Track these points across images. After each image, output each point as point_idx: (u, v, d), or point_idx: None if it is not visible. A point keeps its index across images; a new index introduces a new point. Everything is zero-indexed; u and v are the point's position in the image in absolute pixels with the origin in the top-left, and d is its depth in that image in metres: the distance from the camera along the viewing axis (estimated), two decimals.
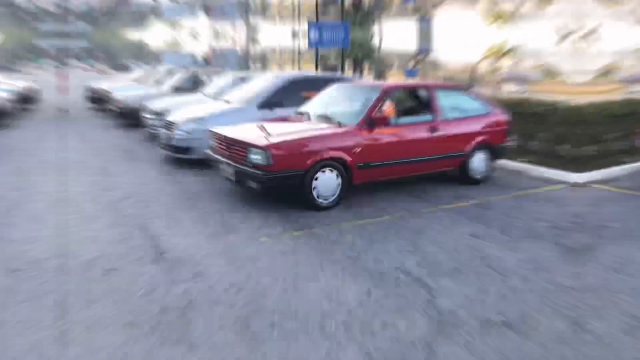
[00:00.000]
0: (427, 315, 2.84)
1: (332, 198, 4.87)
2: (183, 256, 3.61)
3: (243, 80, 9.33)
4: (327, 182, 4.78)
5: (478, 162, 6.09)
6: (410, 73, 18.87)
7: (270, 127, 5.42)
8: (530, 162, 7.36)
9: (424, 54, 10.63)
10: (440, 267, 3.52)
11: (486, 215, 4.82)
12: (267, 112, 6.90)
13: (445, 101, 5.81)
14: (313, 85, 7.38)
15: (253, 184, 4.62)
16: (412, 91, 5.84)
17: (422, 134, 5.46)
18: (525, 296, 3.11)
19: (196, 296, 3.00)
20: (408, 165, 5.39)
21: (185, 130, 6.62)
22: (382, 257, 3.67)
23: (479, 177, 6.16)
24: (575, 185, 6.26)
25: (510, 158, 7.54)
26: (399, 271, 3.44)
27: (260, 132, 5.10)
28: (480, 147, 6.04)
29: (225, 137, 5.00)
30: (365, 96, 5.48)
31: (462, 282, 3.28)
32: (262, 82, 7.60)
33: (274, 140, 4.57)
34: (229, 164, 4.83)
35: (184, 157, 6.73)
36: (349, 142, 4.86)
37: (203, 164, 6.43)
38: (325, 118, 5.36)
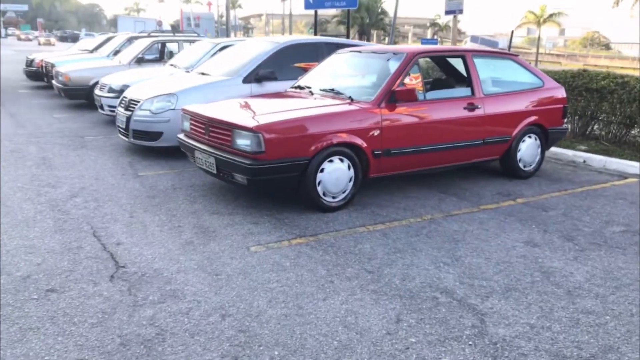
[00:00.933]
0: (477, 348, 2.62)
1: (343, 195, 4.66)
2: (149, 271, 3.39)
3: (225, 48, 9.10)
4: (335, 175, 4.56)
5: (528, 149, 5.90)
6: (429, 43, 18.64)
7: (262, 103, 5.19)
8: (591, 150, 7.16)
9: (454, 14, 10.37)
10: (490, 285, 3.31)
11: (542, 218, 4.61)
12: (255, 87, 6.69)
13: (487, 71, 5.61)
14: (315, 53, 7.19)
15: (240, 178, 4.40)
16: (444, 58, 5.63)
17: (458, 112, 5.25)
18: (605, 323, 2.89)
19: (168, 324, 2.78)
20: (439, 153, 5.18)
21: (150, 110, 6.39)
22: (412, 272, 3.46)
23: (528, 169, 5.97)
24: None
25: (565, 145, 7.36)
26: (435, 290, 3.22)
27: (249, 110, 4.87)
28: (530, 130, 5.85)
29: (202, 116, 4.78)
30: (383, 64, 5.26)
31: (520, 304, 3.06)
32: (250, 49, 7.37)
33: (267, 120, 4.34)
34: (207, 152, 4.60)
35: (150, 145, 6.50)
36: (364, 123, 4.65)
37: (175, 153, 6.21)
38: (333, 93, 5.14)
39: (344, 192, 4.66)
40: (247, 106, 5.12)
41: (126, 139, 6.72)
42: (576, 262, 3.69)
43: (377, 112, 4.73)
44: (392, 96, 4.80)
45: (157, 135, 6.39)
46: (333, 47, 7.43)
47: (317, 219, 4.42)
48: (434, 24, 69.99)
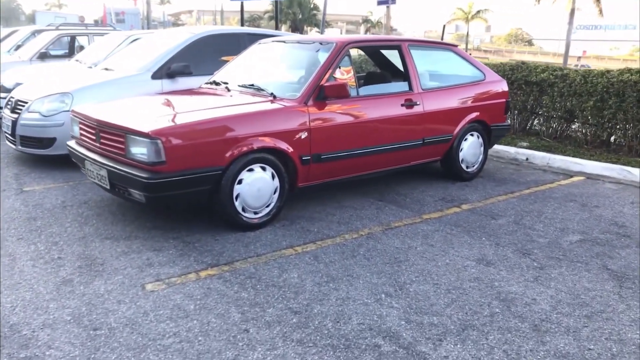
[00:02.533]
0: None
1: (267, 210, 3.94)
2: (5, 327, 2.54)
3: (136, 41, 8.15)
4: (257, 186, 3.83)
5: (470, 148, 5.40)
6: None
7: (167, 102, 4.38)
8: (532, 146, 6.78)
9: (387, 4, 9.86)
10: (442, 322, 2.68)
11: (492, 227, 4.08)
12: (167, 84, 5.85)
13: (425, 64, 5.03)
14: (237, 45, 6.41)
15: (137, 195, 3.58)
16: (378, 49, 4.99)
17: (395, 110, 4.64)
18: None
19: None
20: (375, 157, 4.55)
21: (40, 112, 5.42)
22: (348, 309, 2.78)
23: (471, 169, 5.47)
24: (594, 177, 5.71)
25: (506, 142, 6.96)
26: (376, 333, 2.56)
27: (148, 111, 4.05)
28: (472, 127, 5.34)
29: (91, 119, 3.92)
30: (310, 56, 4.57)
31: (480, 349, 2.46)
32: (162, 41, 6.49)
33: (169, 122, 3.55)
34: (99, 163, 3.76)
35: (41, 153, 5.53)
36: (289, 124, 3.94)
37: (73, 162, 5.28)
38: (253, 89, 4.40)
39: (267, 206, 3.94)
40: (147, 106, 4.30)
41: (14, 147, 5.70)
42: (537, 284, 3.14)
43: (304, 110, 4.03)
44: (321, 92, 4.12)
45: (49, 141, 5.43)
46: (257, 39, 6.69)
47: (235, 241, 3.68)
48: (366, 21, 70.22)
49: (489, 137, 5.60)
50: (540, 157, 6.40)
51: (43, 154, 5.53)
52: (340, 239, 3.77)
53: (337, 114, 4.22)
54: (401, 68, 4.93)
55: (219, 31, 6.57)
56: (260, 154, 3.81)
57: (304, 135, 4.01)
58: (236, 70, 5.01)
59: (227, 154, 3.64)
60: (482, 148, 5.52)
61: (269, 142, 3.82)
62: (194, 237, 3.73)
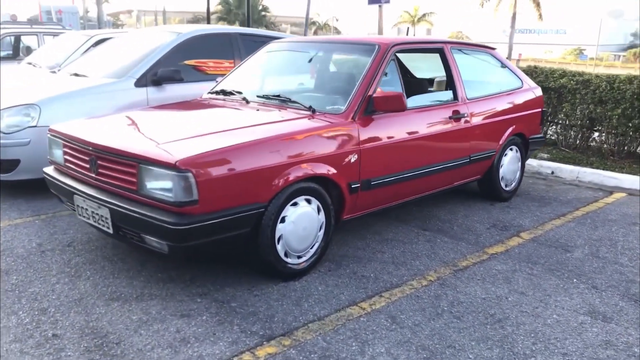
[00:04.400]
0: None
1: (311, 252, 3.19)
2: None
3: (102, 42, 7.20)
4: (303, 224, 3.08)
5: (509, 164, 4.82)
6: None
7: (178, 119, 3.57)
8: (554, 158, 6.30)
9: (379, 3, 9.23)
10: None
11: (572, 263, 3.50)
12: (153, 92, 5.00)
13: (467, 69, 4.39)
14: (230, 47, 5.67)
15: (155, 242, 2.75)
16: (419, 52, 4.31)
17: (445, 124, 3.98)
18: None
19: None
20: (423, 179, 3.89)
21: (0, 129, 4.44)
22: None
23: (509, 188, 4.89)
24: (635, 193, 5.26)
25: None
26: None
27: (161, 132, 3.22)
28: (512, 141, 4.76)
29: (85, 142, 3.06)
30: (346, 61, 3.86)
31: None
32: (142, 42, 5.61)
33: (196, 147, 2.73)
34: (96, 200, 2.90)
35: (2, 179, 4.54)
36: (338, 145, 3.21)
37: (40, 188, 4.36)
38: (278, 101, 3.63)
39: (312, 247, 3.18)
40: (156, 124, 3.46)
41: None
42: None
43: (352, 128, 3.30)
44: (369, 105, 3.39)
45: (10, 164, 4.45)
46: (251, 40, 5.93)
47: (281, 296, 2.90)
48: (312, 23, 69.69)
49: (526, 151, 5.04)
50: (569, 170, 5.90)
51: (3, 180, 4.53)
52: (409, 289, 3.06)
53: (386, 130, 3.52)
54: (446, 74, 4.26)
55: (208, 31, 5.73)
56: (306, 183, 3.05)
57: (353, 158, 3.28)
58: (248, 77, 4.23)
59: (271, 186, 2.87)
60: (519, 163, 4.95)
61: (317, 168, 3.07)
62: (226, 293, 2.93)
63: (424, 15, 64.13)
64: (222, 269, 3.19)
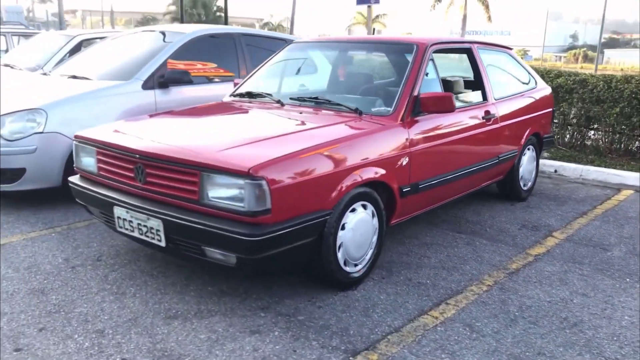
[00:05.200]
0: None
1: (366, 259, 3.09)
2: None
3: (87, 42, 6.90)
4: (360, 231, 2.98)
5: (527, 164, 4.85)
6: None
7: (221, 123, 3.41)
8: (553, 156, 6.40)
9: (369, 3, 9.18)
10: None
11: (617, 263, 3.56)
12: (160, 95, 4.81)
13: (492, 69, 4.38)
14: (233, 47, 5.53)
15: (219, 254, 2.60)
16: (452, 51, 4.27)
17: (479, 124, 3.95)
18: None
19: None
20: (460, 181, 3.85)
21: (2, 136, 4.14)
22: None
23: (526, 187, 4.93)
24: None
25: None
26: None
27: (214, 137, 3.04)
28: (529, 141, 4.78)
29: (127, 149, 2.86)
30: (382, 62, 3.78)
31: None
32: (140, 42, 5.37)
33: (266, 154, 2.59)
34: (145, 211, 2.71)
35: (4, 189, 4.24)
36: (391, 148, 3.12)
37: (44, 198, 4.13)
38: (316, 103, 3.52)
39: (367, 254, 3.08)
40: (199, 129, 3.29)
41: None
42: None
43: (403, 130, 3.22)
44: (416, 106, 3.32)
45: (15, 174, 4.16)
46: (254, 40, 5.79)
47: (346, 307, 2.79)
48: (266, 24, 69.27)
49: (540, 150, 5.09)
50: (572, 169, 5.99)
51: (4, 191, 4.23)
52: (471, 295, 2.99)
53: (431, 132, 3.45)
54: (475, 74, 4.24)
55: (212, 31, 5.54)
56: (363, 188, 2.95)
57: (405, 161, 3.20)
58: (272, 79, 4.08)
59: (335, 192, 2.76)
60: (534, 163, 4.99)
61: (375, 172, 2.98)
62: (287, 305, 2.80)
63: (377, 16, 64.78)
64: (273, 280, 3.05)
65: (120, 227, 2.93)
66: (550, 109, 5.14)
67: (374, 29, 20.04)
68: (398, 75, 3.53)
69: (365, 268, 3.08)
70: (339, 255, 2.88)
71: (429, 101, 3.27)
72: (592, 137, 6.66)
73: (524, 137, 4.61)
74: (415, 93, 3.35)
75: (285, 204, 2.52)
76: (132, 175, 2.85)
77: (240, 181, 2.44)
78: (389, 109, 3.29)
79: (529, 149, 4.81)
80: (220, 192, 2.53)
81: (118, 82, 4.65)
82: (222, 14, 54.03)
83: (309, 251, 2.75)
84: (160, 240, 2.74)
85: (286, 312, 2.74)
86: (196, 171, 2.57)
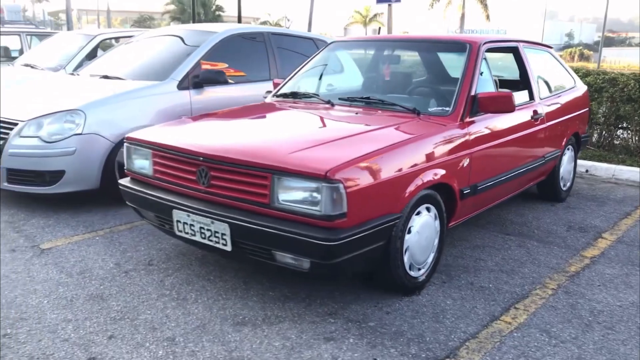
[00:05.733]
0: None
1: (428, 263, 3.03)
2: None
3: (107, 42, 6.83)
4: (425, 234, 2.92)
5: (567, 164, 4.80)
6: None
7: (278, 124, 3.35)
8: (583, 156, 6.33)
9: (389, 2, 9.10)
10: None
11: None
12: (195, 95, 4.75)
13: (536, 67, 4.33)
14: (264, 46, 5.47)
15: (290, 259, 2.54)
16: (501, 50, 4.21)
17: (528, 124, 3.90)
18: None
19: None
20: (511, 182, 3.80)
21: (40, 137, 4.07)
22: None
23: (565, 188, 4.87)
24: None
25: None
26: None
27: (278, 139, 2.97)
28: (569, 140, 4.73)
29: (194, 152, 2.79)
30: (433, 61, 3.71)
31: None
32: (169, 43, 5.30)
33: (339, 156, 2.52)
34: (210, 214, 2.65)
35: (38, 192, 4.16)
36: (453, 149, 3.07)
37: (73, 201, 4.09)
38: (367, 103, 3.46)
39: (429, 258, 3.02)
40: (258, 130, 3.22)
41: None
42: None
43: (463, 130, 3.16)
44: (474, 106, 3.26)
45: (54, 176, 4.09)
46: (282, 39, 5.73)
47: (414, 313, 2.73)
48: (263, 23, 69.10)
49: (578, 150, 5.04)
50: (604, 168, 5.94)
51: (43, 193, 4.16)
52: (538, 299, 2.94)
53: (488, 132, 3.40)
54: (521, 73, 4.18)
55: (243, 30, 5.48)
56: (428, 190, 2.89)
57: (466, 162, 3.14)
58: (314, 78, 4.02)
59: (404, 195, 2.70)
60: (572, 163, 4.94)
61: (439, 174, 2.92)
62: (354, 311, 2.74)
63: (375, 15, 64.73)
64: (334, 285, 2.99)
65: (180, 231, 2.86)
66: (587, 109, 5.09)
67: (379, 29, 19.99)
68: (451, 75, 3.47)
69: (428, 272, 3.02)
70: (405, 259, 2.82)
71: (488, 101, 3.21)
72: (621, 136, 6.60)
73: (566, 136, 4.56)
74: (473, 92, 3.29)
75: (359, 208, 2.46)
76: (194, 178, 2.78)
77: (316, 184, 2.38)
78: (447, 109, 3.23)
79: (568, 149, 4.76)
80: (293, 195, 2.47)
81: (153, 83, 4.58)
82: (221, 13, 53.69)
83: (378, 256, 2.69)
84: (225, 245, 2.67)
85: (355, 318, 2.68)
86: (267, 174, 2.51)
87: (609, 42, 64.74)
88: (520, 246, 3.72)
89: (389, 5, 9.13)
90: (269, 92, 5.18)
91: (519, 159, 3.78)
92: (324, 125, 3.21)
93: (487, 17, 45.04)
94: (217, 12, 56.20)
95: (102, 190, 4.24)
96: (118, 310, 2.69)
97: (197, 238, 2.79)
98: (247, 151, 2.64)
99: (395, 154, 2.67)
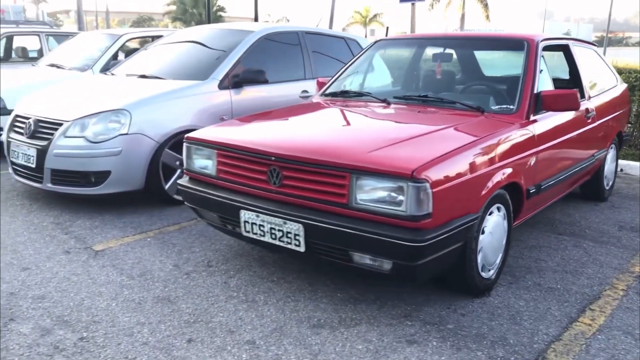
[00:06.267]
0: None
1: (497, 264, 2.98)
2: None
3: (146, 41, 6.79)
4: (497, 234, 2.88)
5: (610, 163, 4.77)
6: None
7: (345, 124, 3.32)
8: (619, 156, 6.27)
9: (412, 1, 9.05)
10: None
11: None
12: (235, 94, 4.69)
13: (584, 66, 4.29)
14: (298, 45, 5.42)
15: (369, 260, 2.50)
16: (555, 48, 4.16)
17: (582, 122, 3.86)
18: None
19: None
20: (568, 181, 3.77)
21: (86, 137, 4.02)
22: None
23: (608, 187, 4.82)
24: None
25: None
26: None
27: (352, 138, 2.92)
28: (613, 140, 4.69)
29: (264, 152, 2.74)
30: (491, 58, 3.65)
31: None
32: (208, 40, 5.25)
33: (424, 155, 2.48)
34: (282, 215, 2.60)
35: (83, 193, 4.11)
36: (522, 147, 3.03)
37: (114, 202, 4.04)
38: (423, 102, 3.41)
39: (497, 258, 2.98)
40: (331, 130, 3.15)
41: (37, 185, 4.21)
42: None
43: (530, 129, 3.12)
44: (538, 104, 3.22)
45: (100, 176, 4.04)
46: (316, 38, 5.69)
47: (491, 315, 2.69)
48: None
49: (619, 149, 5.00)
50: (638, 167, 5.90)
51: (87, 194, 4.11)
52: (612, 300, 2.90)
53: (550, 130, 3.35)
54: (571, 71, 4.14)
55: (279, 29, 5.44)
56: (501, 189, 2.84)
57: (532, 160, 3.11)
58: (364, 77, 3.98)
59: (482, 194, 2.65)
60: (614, 162, 4.90)
61: (510, 173, 2.88)
62: (429, 313, 2.70)
63: (375, 15, 64.64)
64: (401, 287, 2.94)
65: (247, 232, 2.81)
66: (628, 107, 5.05)
67: (387, 28, 19.92)
68: (509, 73, 3.42)
69: (496, 273, 2.97)
70: (479, 259, 2.77)
71: (552, 99, 3.16)
72: None
73: (611, 135, 4.52)
74: (535, 90, 3.24)
75: (442, 208, 2.41)
76: (264, 178, 2.73)
77: (400, 184, 2.33)
78: (511, 107, 3.19)
79: (611, 148, 4.71)
80: (373, 195, 2.42)
81: (195, 82, 4.53)
82: (222, 13, 53.46)
83: (456, 256, 2.64)
84: (298, 245, 2.62)
85: (431, 320, 2.63)
86: (346, 174, 2.46)
87: (604, 41, 64.76)
88: (576, 246, 3.67)
89: (412, 4, 9.11)
90: (305, 91, 5.18)
91: (574, 158, 3.74)
92: (392, 124, 3.17)
93: (487, 17, 44.98)
94: (218, 13, 56.20)
95: (146, 191, 4.19)
96: (190, 313, 2.64)
97: (267, 239, 2.74)
98: (324, 151, 2.60)
99: (474, 152, 2.63)
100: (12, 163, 4.40)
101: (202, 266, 3.20)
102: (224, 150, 2.92)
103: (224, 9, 57.83)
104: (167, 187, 4.24)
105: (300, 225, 2.57)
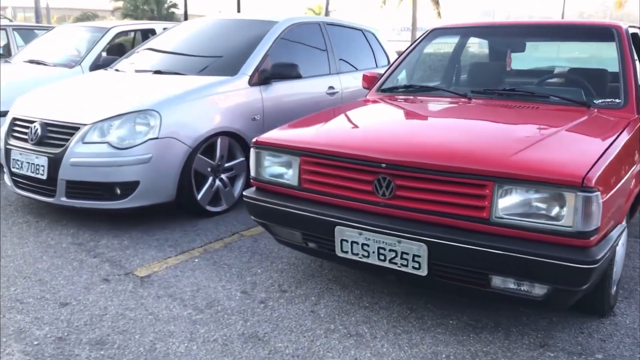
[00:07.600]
0: None
1: (617, 278, 2.65)
2: None
3: (121, 36, 6.22)
4: (624, 247, 2.54)
5: None
6: None
7: (446, 124, 2.92)
8: None
9: None
10: None
11: None
12: (265, 91, 4.24)
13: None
14: (321, 37, 5.04)
15: (518, 286, 2.10)
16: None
17: None
18: None
19: None
20: None
21: (109, 143, 3.48)
22: None
23: None
24: None
25: None
26: None
27: (481, 138, 2.51)
28: None
29: (372, 158, 2.31)
30: (569, 47, 3.32)
31: None
32: (226, 31, 4.76)
33: (584, 159, 2.10)
34: (393, 231, 2.18)
35: (106, 207, 3.57)
36: (636, 148, 2.69)
37: (141, 218, 3.54)
38: (508, 96, 3.06)
39: (619, 272, 2.65)
40: (440, 130, 2.76)
41: (49, 199, 3.63)
42: None
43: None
44: None
45: (127, 187, 3.50)
46: (335, 29, 5.29)
47: (633, 337, 2.36)
48: None
49: None
50: None
51: (111, 209, 3.56)
52: None
53: None
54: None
55: (302, 19, 5.00)
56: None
57: None
58: (427, 70, 3.59)
59: (627, 202, 2.32)
60: None
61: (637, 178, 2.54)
62: (562, 340, 2.35)
63: (327, 13, 64.54)
64: (509, 309, 2.57)
65: (345, 252, 2.38)
66: None
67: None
68: (598, 63, 3.10)
69: (615, 287, 2.64)
70: (613, 274, 2.43)
71: None
72: None
73: None
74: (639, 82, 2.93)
75: (605, 222, 2.05)
76: (369, 189, 2.30)
77: (563, 193, 1.95)
78: (617, 100, 2.86)
79: None
80: (523, 207, 2.04)
81: (223, 78, 4.04)
82: (175, 10, 52.20)
83: (602, 274, 2.28)
84: (418, 268, 2.21)
85: (572, 349, 2.28)
86: (487, 182, 2.06)
87: None
88: None
89: None
90: (332, 87, 4.77)
91: None
92: (504, 123, 2.77)
93: (439, 14, 45.40)
94: (170, 9, 54.72)
95: (176, 203, 3.69)
96: (292, 354, 2.20)
97: (373, 260, 2.31)
98: (455, 155, 2.19)
99: (621, 154, 2.28)
100: (13, 174, 3.80)
101: (275, 292, 2.74)
102: (312, 157, 2.47)
103: (176, 5, 56.33)
104: (199, 197, 3.73)
105: (422, 244, 2.16)
